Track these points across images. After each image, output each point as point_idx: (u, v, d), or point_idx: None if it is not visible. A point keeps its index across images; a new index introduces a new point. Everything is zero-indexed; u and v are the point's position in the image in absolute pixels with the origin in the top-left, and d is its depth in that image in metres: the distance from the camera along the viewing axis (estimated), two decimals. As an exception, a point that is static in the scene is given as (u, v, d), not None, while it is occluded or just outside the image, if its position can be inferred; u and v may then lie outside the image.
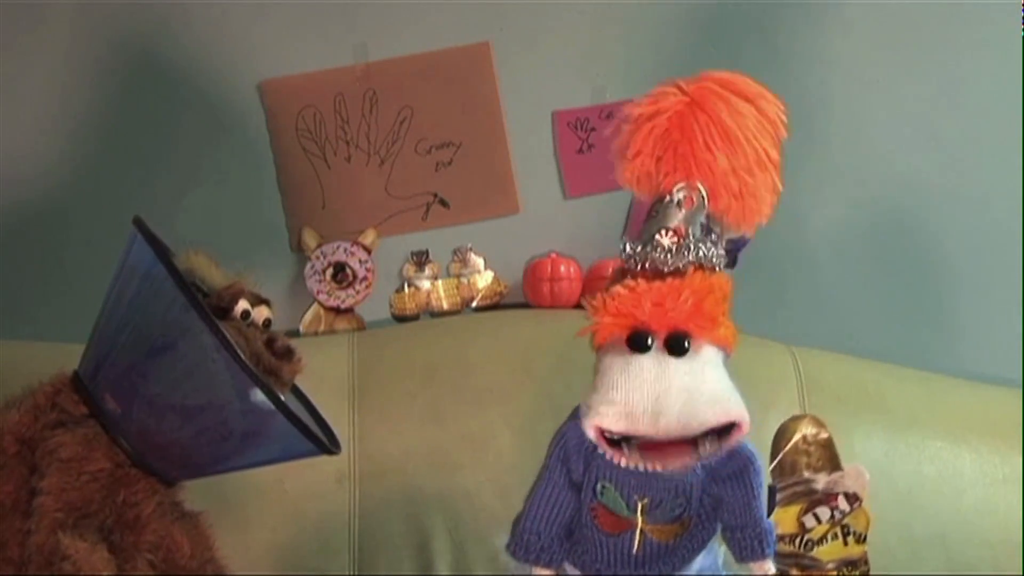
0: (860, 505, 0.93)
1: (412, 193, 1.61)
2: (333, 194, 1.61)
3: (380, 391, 1.44)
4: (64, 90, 1.57)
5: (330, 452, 1.08)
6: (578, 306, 1.54)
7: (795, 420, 0.95)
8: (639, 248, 0.99)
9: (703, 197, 0.99)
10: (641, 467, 1.01)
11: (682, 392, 0.94)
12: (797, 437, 0.94)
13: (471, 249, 1.62)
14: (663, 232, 0.97)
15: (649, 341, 0.96)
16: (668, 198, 0.99)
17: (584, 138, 1.60)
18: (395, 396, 1.44)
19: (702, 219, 0.99)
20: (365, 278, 1.59)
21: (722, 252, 0.99)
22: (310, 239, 1.59)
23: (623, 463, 1.01)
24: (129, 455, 1.04)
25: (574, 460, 1.06)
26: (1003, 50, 1.59)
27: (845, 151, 1.61)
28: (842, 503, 0.93)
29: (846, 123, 1.60)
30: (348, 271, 1.59)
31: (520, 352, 1.45)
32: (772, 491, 0.94)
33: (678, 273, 0.98)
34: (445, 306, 1.62)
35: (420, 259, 1.61)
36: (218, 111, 1.58)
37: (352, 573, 1.38)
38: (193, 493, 1.15)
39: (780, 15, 1.58)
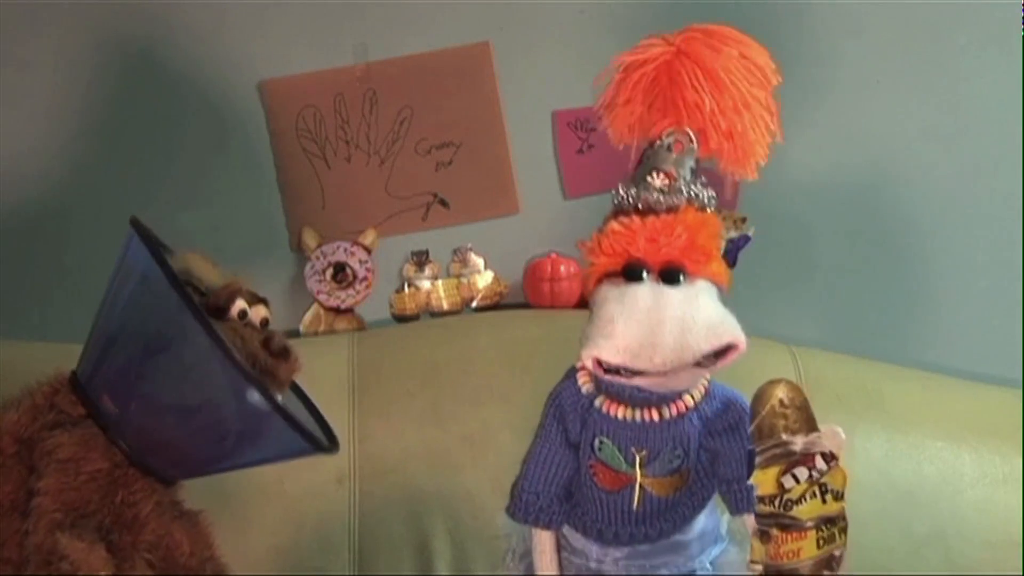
0: (837, 463, 0.94)
1: (412, 193, 1.61)
2: (333, 194, 1.61)
3: (380, 391, 1.44)
4: (64, 90, 1.57)
5: (328, 451, 1.08)
6: (578, 306, 1.56)
7: (771, 384, 0.96)
8: (632, 189, 1.00)
9: (692, 140, 1.00)
10: (638, 419, 1.01)
11: (677, 322, 0.94)
12: (774, 401, 0.94)
13: (471, 249, 1.62)
14: (655, 174, 0.99)
15: (644, 273, 0.97)
16: (659, 142, 1.01)
17: (584, 138, 1.60)
18: (395, 396, 1.44)
19: (692, 163, 1.00)
20: (365, 278, 1.59)
21: (712, 194, 1.01)
22: (310, 239, 1.59)
23: (619, 415, 1.02)
24: (127, 455, 1.03)
25: (570, 418, 1.05)
26: (1003, 50, 1.59)
27: (845, 152, 1.61)
28: (819, 462, 0.94)
29: (847, 124, 1.60)
30: (348, 271, 1.59)
31: (520, 352, 1.45)
32: (751, 454, 0.94)
33: (671, 211, 0.99)
34: (445, 306, 1.62)
35: (420, 259, 1.61)
36: (218, 111, 1.58)
37: (352, 573, 1.38)
38: (193, 493, 1.15)
39: (780, 15, 1.58)
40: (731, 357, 0.95)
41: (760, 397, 0.96)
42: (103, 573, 0.97)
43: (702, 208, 1.01)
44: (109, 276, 1.07)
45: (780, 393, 0.95)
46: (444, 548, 1.39)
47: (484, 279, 1.62)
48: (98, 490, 1.02)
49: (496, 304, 1.63)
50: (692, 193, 1.00)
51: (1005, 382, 1.59)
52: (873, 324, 1.63)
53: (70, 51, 1.56)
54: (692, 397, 1.02)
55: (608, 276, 1.00)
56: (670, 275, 0.97)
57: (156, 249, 1.01)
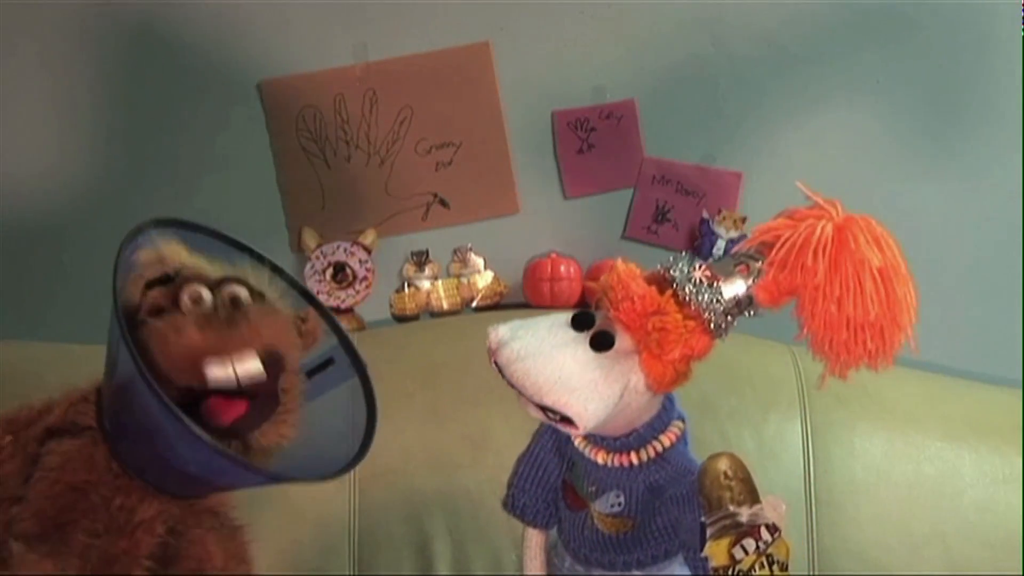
0: (779, 535, 0.97)
1: (412, 193, 1.61)
2: (333, 194, 1.61)
3: (380, 391, 1.43)
4: (65, 90, 1.57)
5: (327, 478, 1.02)
6: (578, 306, 1.56)
7: (714, 458, 0.99)
8: (683, 260, 0.99)
9: (758, 275, 0.97)
10: (588, 454, 1.03)
11: (553, 367, 0.95)
12: (718, 474, 0.97)
13: (471, 249, 1.62)
14: (703, 268, 0.97)
15: (591, 324, 0.97)
16: (740, 254, 0.99)
17: (584, 138, 1.60)
18: (395, 396, 1.44)
19: (740, 292, 0.97)
20: (365, 278, 1.59)
21: (724, 315, 0.97)
22: (310, 239, 1.59)
23: (577, 444, 1.04)
24: (124, 469, 1.01)
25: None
26: (1003, 50, 1.59)
27: (845, 150, 1.61)
28: (764, 534, 0.96)
29: (845, 121, 1.60)
30: (348, 271, 1.59)
31: (520, 352, 1.45)
32: (703, 527, 0.96)
33: (679, 298, 0.97)
34: (445, 306, 1.62)
35: (420, 259, 1.61)
36: (218, 111, 1.58)
37: (352, 573, 1.39)
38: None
39: (779, 15, 1.58)
40: (569, 428, 0.96)
41: (705, 471, 0.98)
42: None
43: (698, 320, 0.96)
44: (111, 277, 1.05)
45: (723, 466, 0.98)
46: (444, 548, 1.39)
47: (484, 279, 1.62)
48: (80, 501, 0.99)
49: (496, 304, 1.63)
50: (709, 308, 0.96)
51: (1005, 382, 1.59)
52: (873, 324, 1.63)
53: (70, 51, 1.56)
54: (638, 455, 1.02)
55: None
56: (600, 338, 0.96)
57: (114, 280, 0.94)
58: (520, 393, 0.97)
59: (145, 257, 0.99)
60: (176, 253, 1.01)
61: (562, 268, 1.57)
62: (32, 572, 0.96)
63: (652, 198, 1.61)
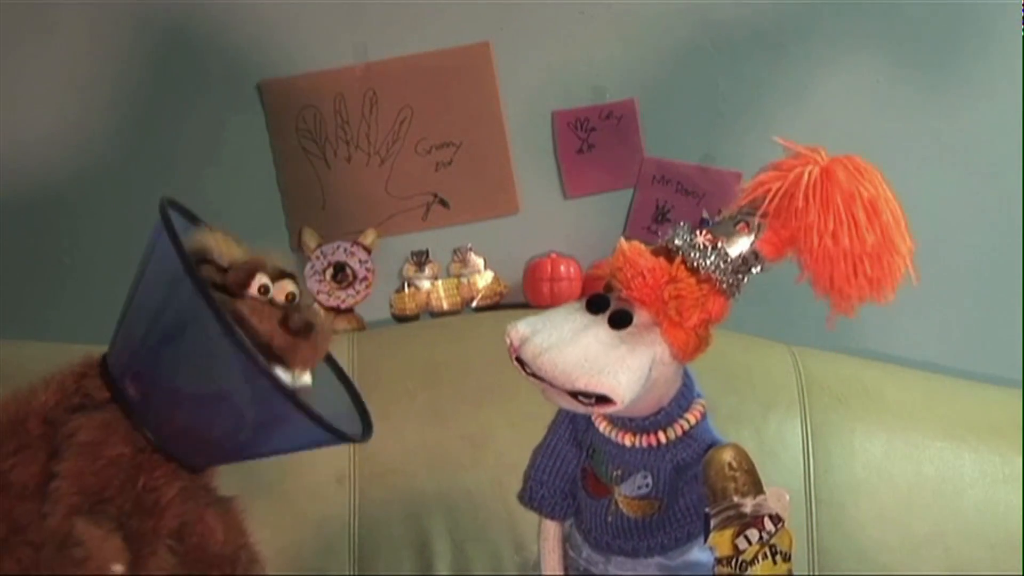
0: (783, 525, 0.98)
1: (412, 193, 1.61)
2: (333, 194, 1.61)
3: (380, 391, 1.43)
4: (63, 90, 1.57)
5: (356, 440, 1.05)
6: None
7: (719, 449, 1.01)
8: (684, 231, 1.00)
9: (758, 230, 0.99)
10: (615, 438, 1.04)
11: (578, 351, 0.96)
12: (723, 464, 0.98)
13: (471, 249, 1.62)
14: (704, 232, 0.98)
15: (607, 306, 0.98)
16: (738, 212, 1.00)
17: (584, 138, 1.60)
18: (395, 396, 1.44)
19: (745, 250, 0.98)
20: (365, 278, 1.60)
21: (734, 274, 0.98)
22: (310, 239, 1.59)
23: (603, 429, 1.04)
24: (149, 441, 1.02)
25: (580, 418, 1.08)
26: (1003, 50, 1.59)
27: (844, 150, 1.61)
28: (768, 524, 0.98)
29: (844, 121, 1.60)
30: (348, 271, 1.59)
31: (520, 352, 1.45)
32: (707, 518, 0.97)
33: (690, 266, 0.98)
34: (445, 306, 1.62)
35: (420, 259, 1.61)
36: (218, 111, 1.58)
37: (352, 573, 1.39)
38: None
39: (778, 15, 1.58)
40: (607, 407, 0.96)
41: (710, 462, 0.99)
42: (116, 564, 0.96)
43: (712, 278, 0.98)
44: (114, 274, 1.06)
45: (728, 457, 0.99)
46: (444, 548, 1.39)
47: (484, 279, 1.62)
48: (118, 475, 1.00)
49: (496, 304, 1.63)
50: (717, 269, 0.98)
51: (1005, 382, 1.59)
52: (873, 324, 1.63)
53: (69, 53, 1.56)
54: (666, 434, 1.03)
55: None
56: (618, 316, 0.97)
57: (172, 230, 0.97)
58: (549, 385, 0.97)
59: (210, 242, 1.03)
60: (226, 244, 1.04)
61: (562, 268, 1.57)
62: (104, 546, 0.97)
63: (652, 198, 1.61)
